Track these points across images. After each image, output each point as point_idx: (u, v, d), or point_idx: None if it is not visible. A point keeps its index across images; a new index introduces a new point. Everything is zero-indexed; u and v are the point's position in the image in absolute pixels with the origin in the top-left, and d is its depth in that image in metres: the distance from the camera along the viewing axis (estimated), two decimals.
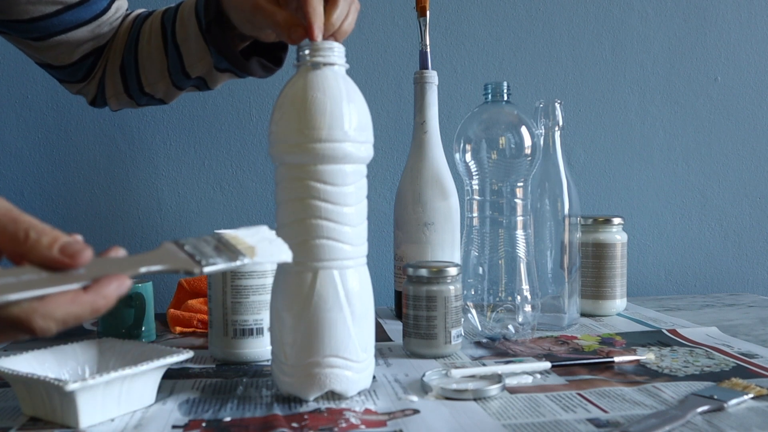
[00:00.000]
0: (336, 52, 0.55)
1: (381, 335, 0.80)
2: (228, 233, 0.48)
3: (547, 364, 0.64)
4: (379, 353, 0.71)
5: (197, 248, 0.45)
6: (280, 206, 0.56)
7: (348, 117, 0.54)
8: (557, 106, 0.82)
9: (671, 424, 0.49)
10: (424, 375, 0.60)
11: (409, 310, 0.70)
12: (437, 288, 0.68)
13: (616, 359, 0.67)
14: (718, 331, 0.80)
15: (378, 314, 0.90)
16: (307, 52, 0.55)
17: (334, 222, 0.54)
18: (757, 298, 1.07)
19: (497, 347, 0.74)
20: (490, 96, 0.79)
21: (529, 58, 1.12)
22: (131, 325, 0.76)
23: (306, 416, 0.53)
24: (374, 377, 0.61)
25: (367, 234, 0.58)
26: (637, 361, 0.67)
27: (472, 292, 0.78)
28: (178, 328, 0.82)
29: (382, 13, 1.08)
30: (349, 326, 0.55)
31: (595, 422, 0.51)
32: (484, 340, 0.76)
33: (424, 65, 0.88)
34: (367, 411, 0.54)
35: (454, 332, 0.69)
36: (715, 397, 0.54)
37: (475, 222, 0.78)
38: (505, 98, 0.79)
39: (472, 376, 0.61)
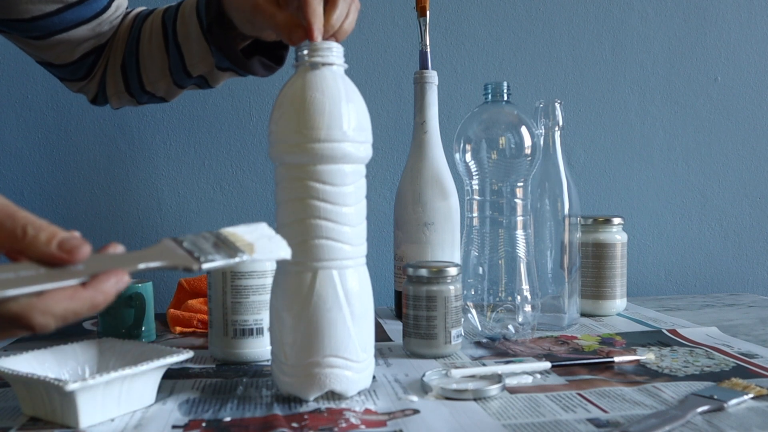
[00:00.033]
0: (335, 52, 0.55)
1: (381, 335, 0.80)
2: (227, 230, 0.48)
3: (547, 364, 0.64)
4: (379, 353, 0.71)
5: (196, 245, 0.45)
6: (280, 206, 0.56)
7: (347, 117, 0.54)
8: (557, 106, 0.82)
9: (671, 424, 0.49)
10: (424, 375, 0.60)
11: (409, 310, 0.70)
12: (437, 288, 0.68)
13: (616, 359, 0.67)
14: (718, 331, 0.80)
15: (378, 314, 0.90)
16: (305, 52, 0.55)
17: (334, 222, 0.54)
18: (757, 298, 1.07)
19: (497, 347, 0.74)
20: (490, 96, 0.79)
21: (529, 58, 1.12)
22: (131, 325, 0.76)
23: (306, 416, 0.53)
24: (374, 377, 0.61)
25: (366, 234, 0.58)
26: (637, 361, 0.67)
27: (472, 292, 0.78)
28: (178, 328, 0.82)
29: (382, 13, 1.08)
30: (348, 326, 0.55)
31: (595, 422, 0.51)
32: (484, 340, 0.76)
33: (424, 65, 0.88)
34: (367, 411, 0.54)
35: (454, 332, 0.69)
36: (715, 397, 0.54)
37: (475, 222, 0.78)
38: (505, 98, 0.79)
39: (472, 376, 0.61)
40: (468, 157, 0.77)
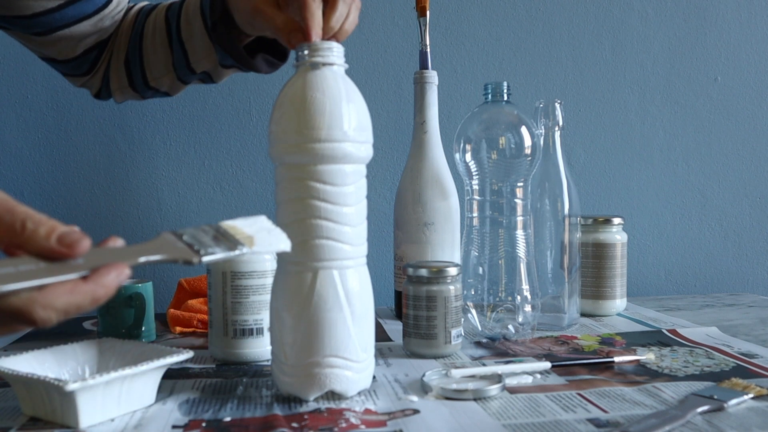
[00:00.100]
0: (335, 52, 0.55)
1: (381, 335, 0.80)
2: (226, 223, 0.48)
3: (547, 364, 0.64)
4: (379, 353, 0.71)
5: (196, 238, 0.45)
6: (280, 206, 0.56)
7: (347, 117, 0.54)
8: (557, 106, 0.82)
9: (671, 424, 0.49)
10: (424, 375, 0.60)
11: (409, 310, 0.70)
12: (437, 288, 0.68)
13: (616, 359, 0.67)
14: (718, 331, 0.80)
15: (378, 314, 0.90)
16: (306, 52, 0.55)
17: (334, 222, 0.54)
18: (757, 298, 1.07)
19: (497, 347, 0.74)
20: (490, 96, 0.79)
21: (529, 58, 1.12)
22: (131, 325, 0.76)
23: (306, 416, 0.53)
24: (374, 377, 0.61)
25: (367, 234, 0.58)
26: (637, 361, 0.67)
27: (472, 292, 0.78)
28: (178, 328, 0.82)
29: (382, 13, 1.08)
30: (349, 326, 0.55)
31: (595, 422, 0.51)
32: (484, 340, 0.76)
33: (424, 65, 0.88)
34: (367, 411, 0.54)
35: (454, 332, 0.69)
36: (715, 397, 0.54)
37: (475, 222, 0.78)
38: (505, 98, 0.79)
39: (472, 376, 0.61)
40: (468, 157, 0.77)
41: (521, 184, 0.77)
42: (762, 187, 1.20)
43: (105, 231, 1.02)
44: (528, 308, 0.77)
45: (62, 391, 0.48)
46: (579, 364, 0.66)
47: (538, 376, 0.63)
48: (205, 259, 0.44)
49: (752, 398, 0.55)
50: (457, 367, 0.65)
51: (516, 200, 0.77)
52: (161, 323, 0.86)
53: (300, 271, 0.55)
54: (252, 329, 0.68)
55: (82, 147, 1.03)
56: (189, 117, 1.05)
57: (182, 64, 0.76)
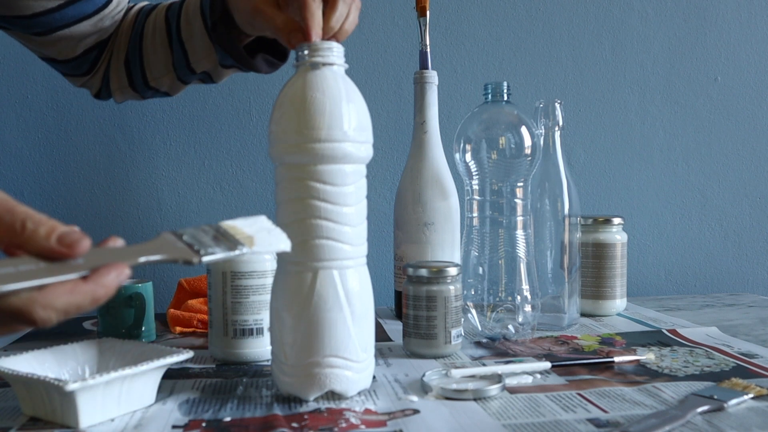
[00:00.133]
0: (335, 52, 0.55)
1: (381, 335, 0.80)
2: (226, 223, 0.48)
3: (547, 364, 0.64)
4: (379, 353, 0.71)
5: (196, 238, 0.45)
6: (280, 206, 0.56)
7: (347, 117, 0.54)
8: (557, 106, 0.82)
9: (671, 424, 0.49)
10: (424, 375, 0.60)
11: (409, 310, 0.70)
12: (437, 288, 0.68)
13: (616, 359, 0.67)
14: (718, 331, 0.80)
15: (378, 314, 0.90)
16: (306, 52, 0.55)
17: (334, 222, 0.54)
18: (757, 298, 1.07)
19: (497, 347, 0.74)
20: (490, 96, 0.79)
21: (529, 58, 1.12)
22: (131, 325, 0.76)
23: (306, 416, 0.53)
24: (374, 377, 0.61)
25: (367, 234, 0.58)
26: (637, 361, 0.67)
27: (472, 292, 0.78)
28: (178, 328, 0.82)
29: (382, 13, 1.08)
30: (349, 326, 0.55)
31: (595, 422, 0.51)
32: (484, 340, 0.76)
33: (424, 65, 0.88)
34: (367, 411, 0.54)
35: (454, 332, 0.69)
36: (715, 397, 0.54)
37: (475, 222, 0.78)
38: (505, 98, 0.79)
39: (472, 376, 0.61)
40: (468, 157, 0.77)
41: (521, 184, 0.77)
42: (762, 187, 1.20)
43: (105, 231, 1.02)
44: (528, 308, 0.77)
45: (62, 391, 0.48)
46: (579, 364, 0.66)
47: (538, 376, 0.63)
48: (205, 259, 0.44)
49: (752, 398, 0.55)
50: (457, 367, 0.65)
51: (516, 200, 0.77)
52: (161, 323, 0.86)
53: (300, 271, 0.55)
54: (252, 329, 0.68)
55: (82, 147, 1.03)
56: (189, 117, 1.05)
57: (182, 64, 0.76)
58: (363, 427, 0.50)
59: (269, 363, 0.67)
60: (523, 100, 1.02)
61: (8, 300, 0.37)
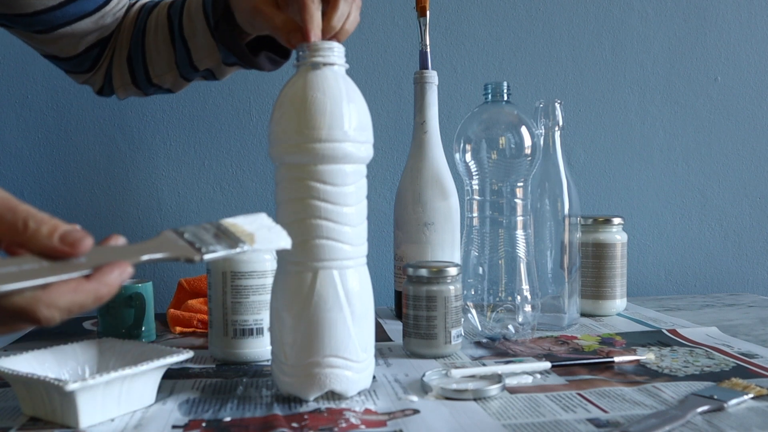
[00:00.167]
0: (335, 52, 0.55)
1: (381, 335, 0.80)
2: (227, 221, 0.48)
3: (547, 364, 0.64)
4: (379, 353, 0.71)
5: (197, 236, 0.45)
6: (280, 206, 0.56)
7: (348, 117, 0.54)
8: (557, 106, 0.82)
9: (671, 424, 0.49)
10: (424, 375, 0.60)
11: (409, 310, 0.70)
12: (437, 288, 0.68)
13: (616, 359, 0.67)
14: (718, 331, 0.80)
15: (378, 314, 0.90)
16: (306, 52, 0.55)
17: (334, 222, 0.54)
18: (757, 298, 1.07)
19: (497, 347, 0.74)
20: (490, 96, 0.79)
21: (529, 58, 1.12)
22: (131, 325, 0.76)
23: (306, 416, 0.53)
24: (374, 377, 0.61)
25: (367, 234, 0.58)
26: (637, 361, 0.67)
27: (472, 292, 0.78)
28: (178, 328, 0.82)
29: (382, 13, 1.08)
30: (349, 326, 0.55)
31: (595, 422, 0.51)
32: (484, 340, 0.76)
33: (424, 65, 0.88)
34: (367, 411, 0.54)
35: (454, 332, 0.69)
36: (715, 397, 0.54)
37: (475, 222, 0.78)
38: (505, 98, 0.79)
39: (472, 376, 0.61)
40: (468, 157, 0.77)
41: (521, 184, 0.77)
42: (762, 187, 1.20)
43: (105, 231, 1.01)
44: (528, 308, 0.77)
45: (62, 391, 0.48)
46: (579, 364, 0.66)
47: (538, 376, 0.63)
48: (207, 257, 0.44)
49: (752, 398, 0.55)
50: (457, 367, 0.65)
51: (516, 200, 0.77)
52: (161, 323, 0.86)
53: (300, 271, 0.55)
54: (252, 329, 0.68)
55: (82, 147, 1.03)
56: (189, 117, 1.05)
57: (185, 61, 0.76)
58: (363, 427, 0.50)
59: (269, 363, 0.67)
60: (523, 100, 1.02)
61: (12, 299, 0.37)
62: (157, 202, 1.05)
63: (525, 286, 0.77)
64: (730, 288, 1.20)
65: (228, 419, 0.52)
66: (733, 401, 0.54)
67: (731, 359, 0.68)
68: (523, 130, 0.76)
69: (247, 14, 0.67)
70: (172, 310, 0.84)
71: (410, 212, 0.86)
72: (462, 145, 0.78)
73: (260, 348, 0.68)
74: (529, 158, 0.76)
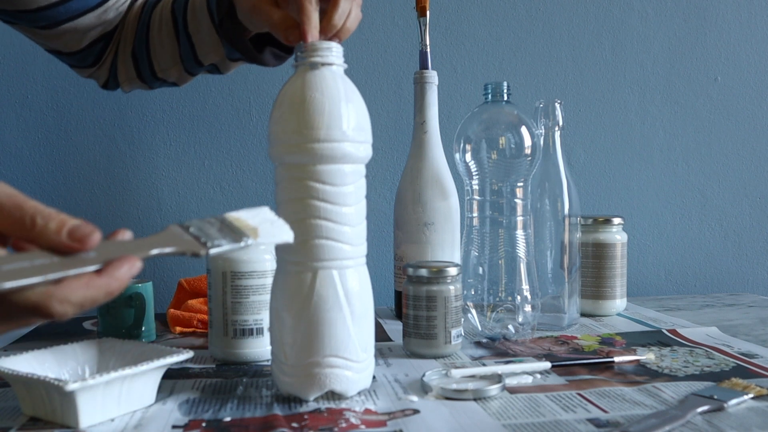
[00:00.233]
0: (334, 52, 0.55)
1: (381, 335, 0.80)
2: (231, 215, 0.48)
3: (547, 364, 0.64)
4: (379, 353, 0.71)
5: (202, 230, 0.45)
6: (280, 206, 0.56)
7: (346, 117, 0.54)
8: (557, 106, 0.82)
9: (671, 424, 0.49)
10: (424, 375, 0.60)
11: (409, 310, 0.70)
12: (437, 288, 0.68)
13: (616, 359, 0.67)
14: (718, 331, 0.80)
15: (378, 314, 0.90)
16: (305, 52, 0.55)
17: (334, 222, 0.54)
18: (757, 298, 1.07)
19: (497, 347, 0.74)
20: (490, 96, 0.79)
21: (529, 58, 1.12)
22: (131, 325, 0.76)
23: (306, 416, 0.53)
24: (374, 377, 0.61)
25: (366, 234, 0.58)
26: (637, 361, 0.67)
27: (472, 292, 0.78)
28: (178, 328, 0.82)
29: (382, 13, 1.08)
30: (348, 326, 0.55)
31: (595, 422, 0.51)
32: (484, 340, 0.76)
33: (424, 65, 0.88)
34: (367, 411, 0.54)
35: (454, 332, 0.69)
36: (715, 397, 0.54)
37: (475, 222, 0.78)
38: (505, 98, 0.79)
39: (472, 376, 0.61)
40: (468, 157, 0.77)
41: (521, 184, 0.77)
42: (762, 187, 1.20)
43: (105, 231, 1.01)
44: (528, 308, 0.77)
45: (62, 391, 0.48)
46: (579, 364, 0.66)
47: (538, 376, 0.63)
48: (212, 251, 0.44)
49: (752, 398, 0.55)
50: (457, 367, 0.65)
51: (516, 200, 0.77)
52: (161, 323, 0.86)
53: (300, 271, 0.55)
54: (252, 329, 0.68)
55: (82, 147, 1.03)
56: (189, 117, 1.05)
57: (190, 57, 0.77)
58: (363, 427, 0.50)
59: (269, 363, 0.67)
60: (523, 100, 1.02)
61: (25, 294, 0.38)
62: (157, 202, 1.05)
63: (525, 286, 0.77)
64: (730, 288, 1.20)
65: (228, 419, 0.52)
66: (733, 401, 0.54)
67: (731, 359, 0.68)
68: (523, 130, 0.76)
69: (247, 11, 0.67)
70: (172, 310, 0.84)
71: (410, 212, 0.86)
72: (462, 145, 0.78)
73: (260, 348, 0.68)
74: (529, 158, 0.76)
